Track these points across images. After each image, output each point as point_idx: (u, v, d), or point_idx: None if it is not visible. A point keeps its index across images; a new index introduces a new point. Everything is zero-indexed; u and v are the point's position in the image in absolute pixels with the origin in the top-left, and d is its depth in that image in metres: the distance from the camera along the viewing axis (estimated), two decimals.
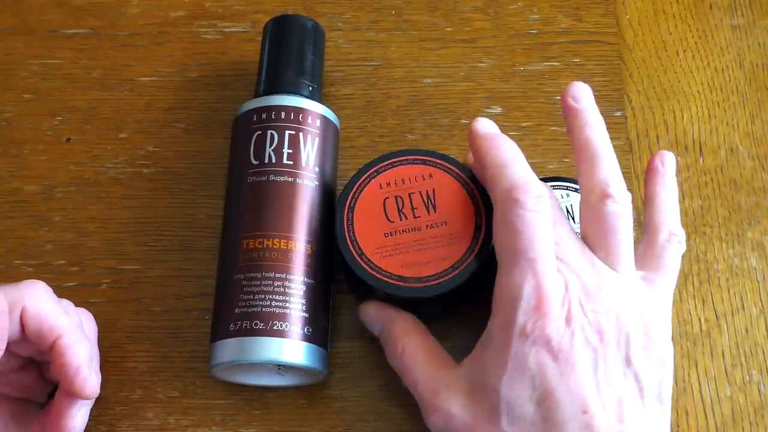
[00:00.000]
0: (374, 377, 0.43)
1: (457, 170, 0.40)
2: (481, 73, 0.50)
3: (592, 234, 0.37)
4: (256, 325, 0.38)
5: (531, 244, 0.34)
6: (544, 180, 0.41)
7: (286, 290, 0.39)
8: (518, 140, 0.47)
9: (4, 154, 0.48)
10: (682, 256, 0.38)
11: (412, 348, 0.38)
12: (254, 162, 0.41)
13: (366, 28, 0.51)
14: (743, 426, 0.42)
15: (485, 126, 0.39)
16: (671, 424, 0.37)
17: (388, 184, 0.41)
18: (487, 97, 0.49)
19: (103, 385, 0.39)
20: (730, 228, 0.46)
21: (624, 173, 0.47)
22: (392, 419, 0.42)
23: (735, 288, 0.45)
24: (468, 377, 0.36)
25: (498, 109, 0.49)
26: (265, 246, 0.39)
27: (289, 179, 0.41)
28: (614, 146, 0.47)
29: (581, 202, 0.37)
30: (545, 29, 0.51)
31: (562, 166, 0.47)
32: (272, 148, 0.41)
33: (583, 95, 0.39)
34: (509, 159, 0.37)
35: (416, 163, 0.41)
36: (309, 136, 0.42)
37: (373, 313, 0.40)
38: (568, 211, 0.41)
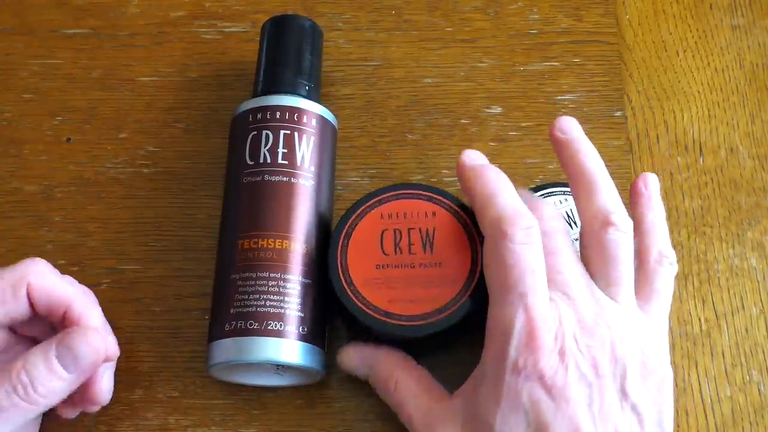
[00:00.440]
0: None
1: (461, 212, 0.40)
2: (481, 73, 0.50)
3: (594, 262, 0.36)
4: (250, 325, 0.38)
5: (521, 279, 0.34)
6: (541, 187, 0.41)
7: (282, 290, 0.39)
8: (518, 140, 0.48)
9: (4, 154, 0.48)
10: (682, 258, 0.38)
11: (404, 383, 0.38)
12: (249, 162, 0.41)
13: (366, 28, 0.51)
14: (743, 426, 0.42)
15: (472, 157, 0.39)
16: None
17: (390, 216, 0.40)
18: (487, 97, 0.49)
19: None
20: (730, 228, 0.46)
21: (624, 173, 0.47)
22: (392, 419, 0.42)
23: (735, 288, 0.45)
24: (462, 410, 0.35)
25: (498, 109, 0.49)
26: (260, 246, 0.39)
27: (285, 179, 0.41)
28: (614, 146, 0.48)
29: (582, 230, 0.37)
30: (545, 29, 0.51)
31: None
32: (267, 148, 0.41)
33: (571, 127, 0.38)
34: (497, 189, 0.36)
35: (421, 199, 0.40)
36: (305, 136, 0.42)
37: (355, 357, 0.40)
38: (568, 216, 0.41)
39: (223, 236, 0.41)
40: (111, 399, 0.39)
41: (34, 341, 0.38)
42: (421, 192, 0.41)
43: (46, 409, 0.35)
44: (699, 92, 0.49)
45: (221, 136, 0.47)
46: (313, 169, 0.42)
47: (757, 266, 0.45)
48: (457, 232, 0.40)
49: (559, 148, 0.38)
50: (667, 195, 0.47)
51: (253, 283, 0.39)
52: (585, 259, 0.37)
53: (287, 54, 0.44)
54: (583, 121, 0.48)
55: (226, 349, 0.38)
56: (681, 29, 0.51)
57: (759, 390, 0.43)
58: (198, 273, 0.44)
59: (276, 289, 0.39)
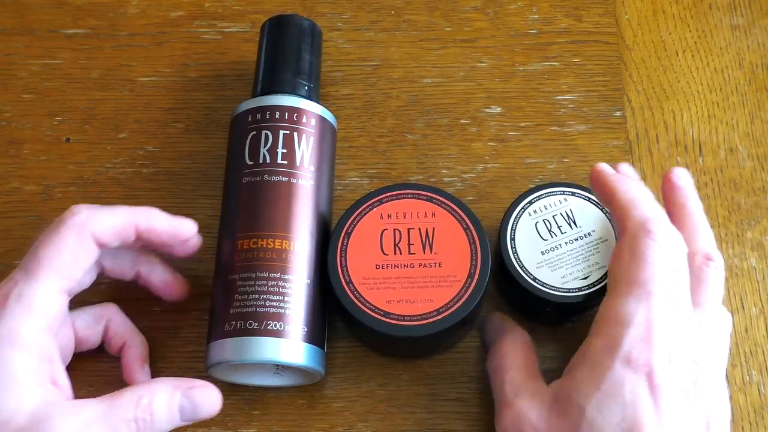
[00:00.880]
0: (374, 377, 0.43)
1: (461, 213, 0.40)
2: (480, 73, 0.50)
3: (692, 292, 0.37)
4: (250, 325, 0.38)
5: (653, 277, 0.35)
6: (541, 187, 0.42)
7: (281, 290, 0.39)
8: (518, 140, 0.48)
9: (4, 154, 0.48)
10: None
11: (514, 353, 0.39)
12: (249, 162, 0.41)
13: (366, 28, 0.51)
14: (743, 426, 0.42)
15: (609, 167, 0.40)
16: None
17: (390, 216, 0.40)
18: (487, 97, 0.49)
19: (104, 385, 0.39)
20: (730, 228, 0.46)
21: None
22: (392, 419, 0.42)
23: (735, 288, 0.45)
24: (554, 392, 0.36)
25: (498, 109, 0.49)
26: (259, 246, 0.39)
27: (284, 179, 0.41)
28: (614, 146, 0.48)
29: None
30: (545, 29, 0.51)
31: (561, 166, 0.47)
32: (267, 148, 0.41)
33: (685, 175, 0.41)
34: (642, 194, 0.38)
35: (421, 199, 0.41)
36: (304, 136, 0.42)
37: (497, 322, 0.42)
38: (568, 216, 0.41)
39: (222, 236, 0.41)
40: (73, 395, 0.39)
41: None
42: (420, 192, 0.41)
43: None
44: (699, 92, 0.49)
45: (220, 136, 0.47)
46: (312, 169, 0.42)
47: (757, 266, 0.45)
48: (456, 232, 0.40)
49: (672, 192, 0.40)
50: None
51: (252, 283, 0.39)
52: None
53: (287, 54, 0.44)
54: (582, 121, 0.49)
55: (226, 349, 0.38)
56: (680, 29, 0.51)
57: (759, 390, 0.43)
58: (198, 273, 0.44)
59: (276, 289, 0.39)
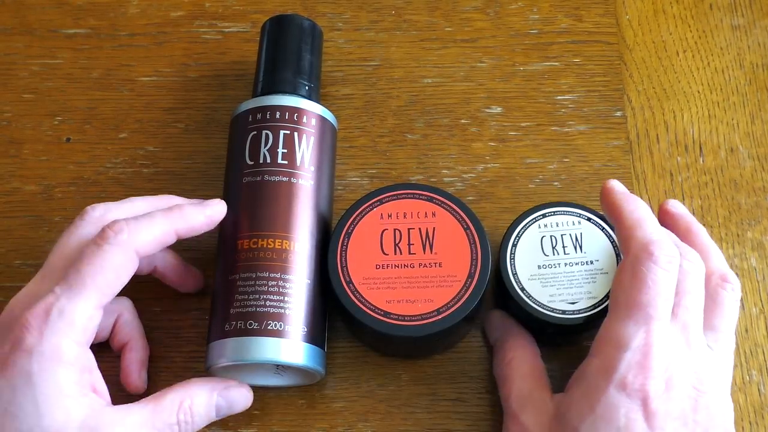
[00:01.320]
0: (374, 377, 0.43)
1: (461, 213, 0.40)
2: (481, 73, 0.50)
3: (705, 313, 0.37)
4: (250, 325, 0.38)
5: (653, 301, 0.34)
6: (560, 204, 0.41)
7: (281, 290, 0.39)
8: (518, 140, 0.48)
9: (4, 154, 0.48)
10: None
11: (520, 361, 0.39)
12: (249, 162, 0.41)
13: (366, 28, 0.51)
14: (743, 426, 0.42)
15: (620, 185, 0.40)
16: None
17: (390, 216, 0.40)
18: (487, 97, 0.49)
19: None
20: (730, 228, 0.46)
21: (624, 173, 0.47)
22: (392, 419, 0.42)
23: None
24: (556, 406, 0.36)
25: (498, 109, 0.49)
26: (259, 246, 0.39)
27: (284, 179, 0.41)
28: (614, 146, 0.48)
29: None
30: (545, 29, 0.51)
31: (561, 166, 0.47)
32: (267, 148, 0.41)
33: (681, 204, 0.41)
34: (647, 215, 0.38)
35: (421, 199, 0.41)
36: (305, 136, 0.42)
37: (496, 321, 0.42)
38: (576, 239, 0.41)
39: (223, 236, 0.41)
40: (110, 399, 0.39)
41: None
42: (421, 192, 0.41)
43: None
44: (699, 92, 0.49)
45: (221, 136, 0.47)
46: (312, 169, 0.42)
47: (757, 266, 0.45)
48: (456, 232, 0.40)
49: (673, 220, 0.40)
50: (667, 195, 0.47)
51: (253, 283, 0.39)
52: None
53: (287, 54, 0.44)
54: (583, 121, 0.49)
55: (226, 349, 0.38)
56: (681, 29, 0.51)
57: (759, 390, 0.43)
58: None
59: (276, 289, 0.39)
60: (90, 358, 0.35)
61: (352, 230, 0.40)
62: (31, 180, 0.47)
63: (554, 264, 0.40)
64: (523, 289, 0.39)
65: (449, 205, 0.40)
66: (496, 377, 0.41)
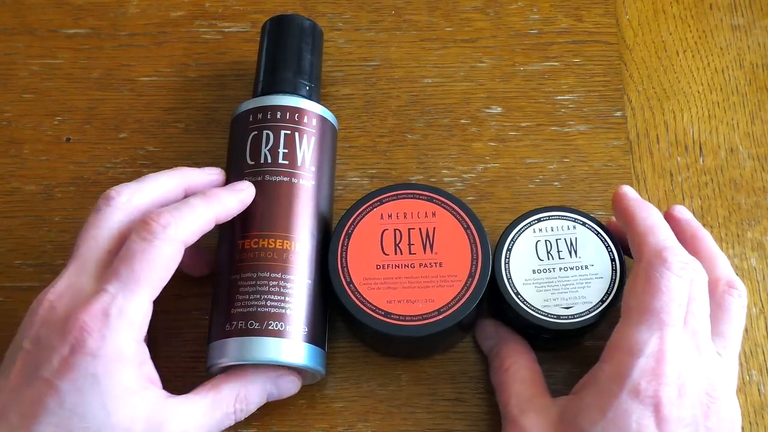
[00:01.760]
0: (374, 377, 0.43)
1: (461, 212, 0.40)
2: (481, 73, 0.50)
3: (713, 320, 0.37)
4: (251, 325, 0.38)
5: (667, 307, 0.34)
6: (555, 208, 0.41)
7: (282, 290, 0.39)
8: (518, 140, 0.48)
9: (4, 154, 0.48)
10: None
11: (518, 366, 0.39)
12: (250, 162, 0.41)
13: (366, 28, 0.51)
14: (743, 426, 0.42)
15: (633, 191, 0.40)
16: None
17: (390, 216, 0.40)
18: (487, 97, 0.49)
19: None
20: (730, 228, 0.46)
21: (624, 173, 0.47)
22: (392, 419, 0.42)
23: None
24: (559, 410, 0.36)
25: (498, 109, 0.49)
26: (260, 246, 0.39)
27: (285, 179, 0.41)
28: (614, 146, 0.48)
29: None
30: (545, 29, 0.51)
31: (561, 166, 0.47)
32: (268, 148, 0.41)
33: (686, 210, 0.41)
34: (660, 222, 0.38)
35: (422, 199, 0.41)
36: (305, 136, 0.42)
37: (490, 329, 0.42)
38: (572, 243, 0.41)
39: (224, 236, 0.41)
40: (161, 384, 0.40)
41: None
42: (421, 192, 0.41)
43: None
44: (699, 92, 0.49)
45: (221, 136, 0.47)
46: (313, 169, 0.42)
47: (757, 266, 0.45)
48: (457, 232, 0.40)
49: (679, 225, 0.40)
50: (667, 195, 0.47)
51: (253, 283, 0.39)
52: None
53: (287, 54, 0.44)
54: (583, 122, 0.49)
55: (226, 349, 0.38)
56: (681, 29, 0.51)
57: (759, 390, 0.43)
58: None
59: (276, 289, 0.39)
60: (145, 351, 0.36)
61: (353, 230, 0.40)
62: (31, 180, 0.47)
63: (549, 269, 0.40)
64: (517, 294, 0.39)
65: (449, 205, 0.40)
66: (494, 385, 0.40)
